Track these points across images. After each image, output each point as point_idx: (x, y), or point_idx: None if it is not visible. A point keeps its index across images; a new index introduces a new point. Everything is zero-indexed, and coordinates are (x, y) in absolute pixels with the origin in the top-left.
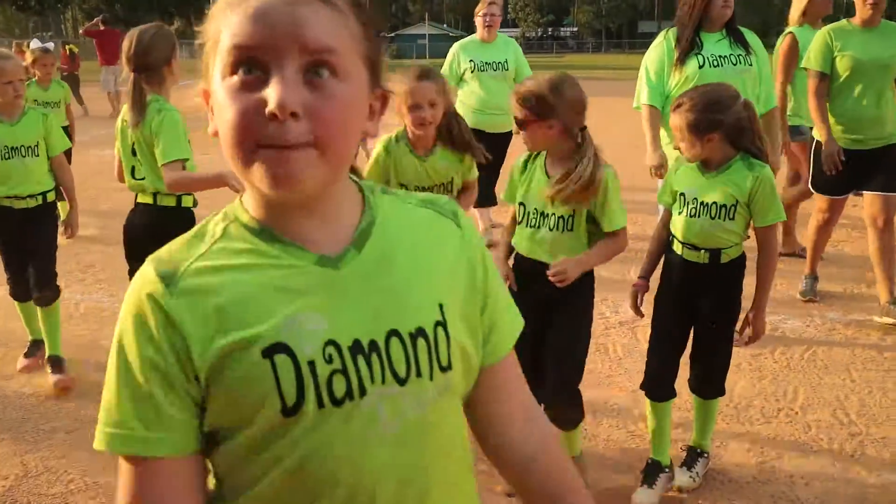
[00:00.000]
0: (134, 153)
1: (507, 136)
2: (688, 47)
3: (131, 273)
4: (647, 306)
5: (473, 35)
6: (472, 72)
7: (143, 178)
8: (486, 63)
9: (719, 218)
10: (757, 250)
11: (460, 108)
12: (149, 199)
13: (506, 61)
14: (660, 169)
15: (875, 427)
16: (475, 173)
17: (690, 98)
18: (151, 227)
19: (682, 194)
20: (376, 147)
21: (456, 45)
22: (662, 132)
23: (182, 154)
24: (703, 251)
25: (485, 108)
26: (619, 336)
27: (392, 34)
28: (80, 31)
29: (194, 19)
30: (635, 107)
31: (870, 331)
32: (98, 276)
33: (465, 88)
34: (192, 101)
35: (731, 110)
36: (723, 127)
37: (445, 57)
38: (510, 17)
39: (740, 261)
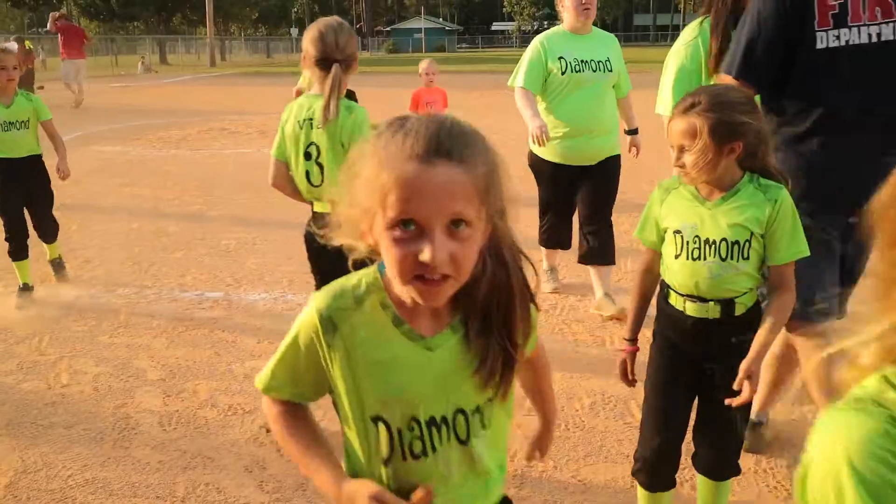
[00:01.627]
0: (308, 156)
1: (612, 164)
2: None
3: (318, 287)
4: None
5: (558, 26)
6: (562, 73)
7: (319, 185)
8: (582, 61)
9: (731, 258)
10: (768, 292)
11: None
12: (326, 209)
13: (608, 60)
14: None
15: None
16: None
17: (709, 95)
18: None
19: (678, 231)
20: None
21: (539, 39)
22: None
23: None
24: (711, 303)
25: (583, 131)
26: (616, 328)
27: (388, 28)
28: (50, 24)
29: (189, 14)
30: (658, 112)
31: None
32: (95, 271)
33: (550, 99)
34: (183, 98)
35: (756, 115)
36: (748, 136)
37: (443, 50)
38: (505, 10)
39: (756, 309)
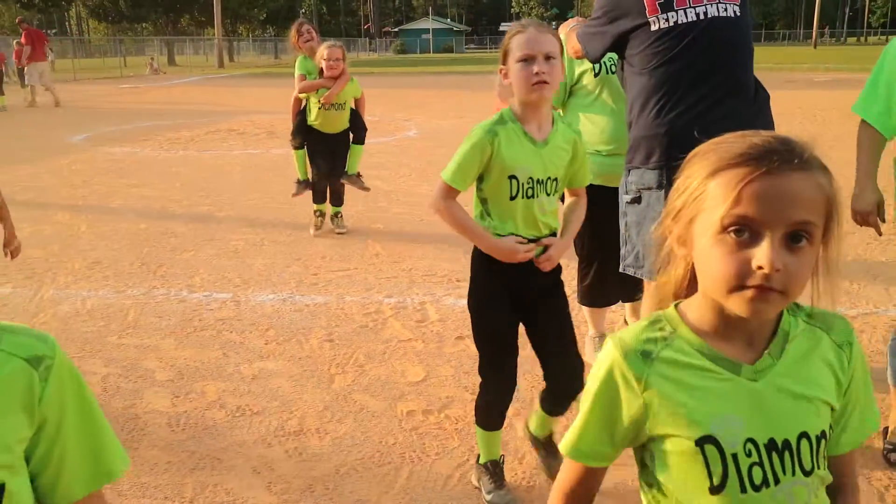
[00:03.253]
0: None
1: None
2: None
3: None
4: None
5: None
6: (595, 75)
7: None
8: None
9: (818, 466)
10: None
11: None
12: None
13: None
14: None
15: (881, 419)
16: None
17: (801, 140)
18: None
19: (708, 440)
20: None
21: (564, 29)
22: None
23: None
24: None
25: (622, 147)
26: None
27: (396, 29)
28: (18, 21)
29: (197, 15)
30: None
31: (876, 323)
32: (104, 272)
33: (581, 110)
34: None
35: None
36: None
37: (450, 51)
38: (514, 10)
39: None
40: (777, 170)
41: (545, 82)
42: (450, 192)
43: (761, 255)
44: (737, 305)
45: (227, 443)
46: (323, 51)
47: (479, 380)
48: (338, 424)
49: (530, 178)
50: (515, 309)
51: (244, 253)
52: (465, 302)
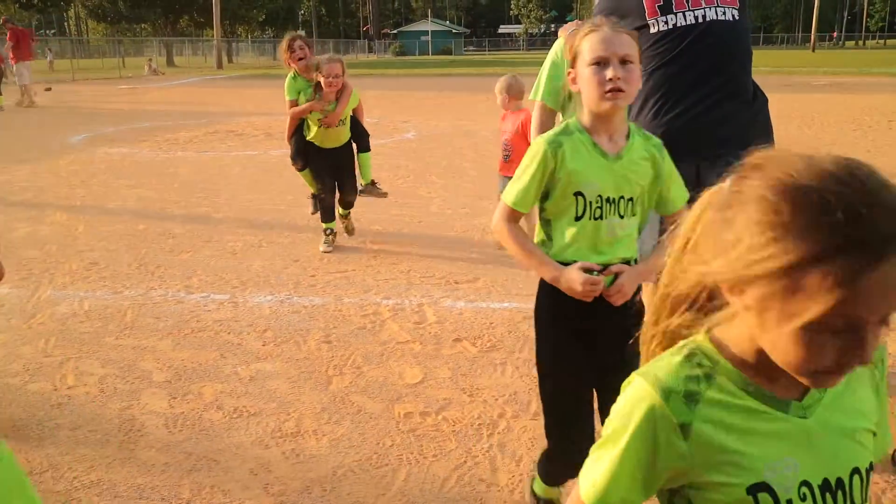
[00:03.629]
0: None
1: None
2: None
3: None
4: None
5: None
6: None
7: None
8: None
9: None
10: None
11: None
12: None
13: None
14: None
15: None
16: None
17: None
18: None
19: (760, 489)
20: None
21: (564, 33)
22: None
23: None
24: None
25: None
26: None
27: (395, 31)
28: (2, 21)
29: (196, 16)
30: None
31: None
32: (102, 273)
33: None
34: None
35: None
36: None
37: (449, 53)
38: (512, 13)
39: None
40: (889, 255)
41: (620, 90)
42: (512, 215)
43: (860, 352)
44: (807, 381)
45: (225, 444)
46: (322, 66)
47: (476, 381)
48: (335, 426)
49: (599, 195)
50: (589, 364)
51: (242, 254)
52: (462, 304)
